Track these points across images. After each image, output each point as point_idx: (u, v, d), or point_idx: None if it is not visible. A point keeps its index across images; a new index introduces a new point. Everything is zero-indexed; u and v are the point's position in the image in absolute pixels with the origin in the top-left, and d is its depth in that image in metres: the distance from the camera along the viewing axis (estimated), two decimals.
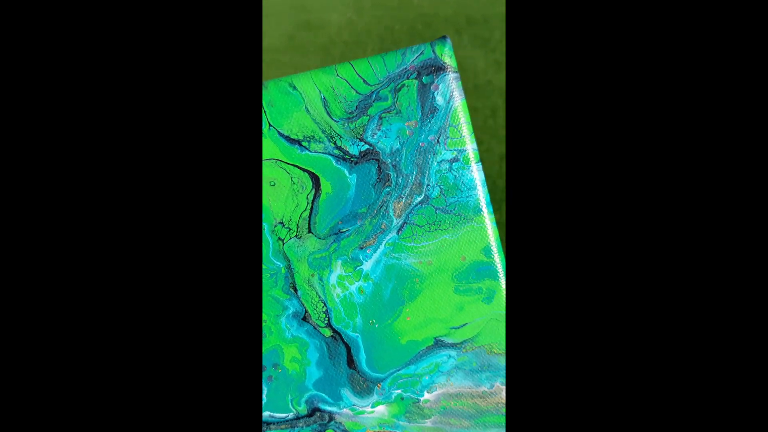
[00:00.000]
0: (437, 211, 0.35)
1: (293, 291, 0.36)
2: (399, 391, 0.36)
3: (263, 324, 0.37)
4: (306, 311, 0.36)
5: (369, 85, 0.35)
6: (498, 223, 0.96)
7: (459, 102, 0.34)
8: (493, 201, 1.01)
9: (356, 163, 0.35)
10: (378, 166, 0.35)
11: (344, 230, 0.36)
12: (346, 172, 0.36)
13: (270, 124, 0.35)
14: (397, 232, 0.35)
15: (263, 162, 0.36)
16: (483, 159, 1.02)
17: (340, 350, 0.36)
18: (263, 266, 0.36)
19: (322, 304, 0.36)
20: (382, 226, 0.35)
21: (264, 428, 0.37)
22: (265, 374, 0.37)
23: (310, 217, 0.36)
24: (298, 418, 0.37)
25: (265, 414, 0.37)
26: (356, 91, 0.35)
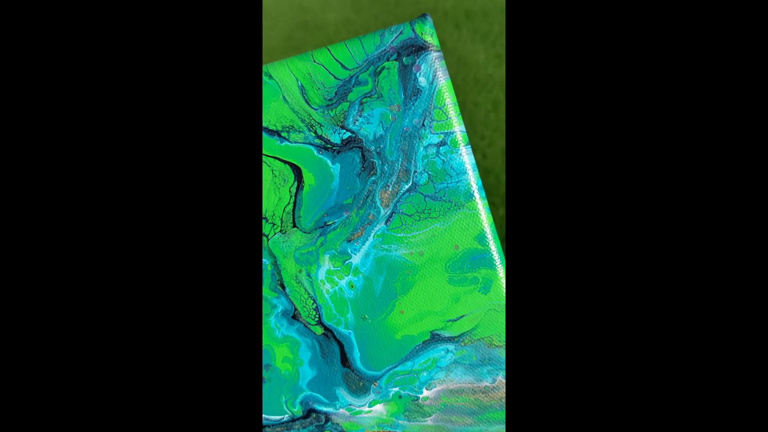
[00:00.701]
0: (426, 199, 0.34)
1: (281, 288, 0.35)
2: (396, 389, 0.35)
3: None
4: (295, 309, 0.35)
5: (347, 69, 0.33)
6: (502, 218, 0.95)
7: (443, 82, 0.33)
8: (497, 196, 1.00)
9: (339, 152, 0.34)
10: (362, 154, 0.34)
11: (330, 223, 0.35)
12: (329, 162, 0.34)
13: None
14: (386, 222, 0.34)
15: None
16: (486, 154, 1.00)
17: (333, 348, 0.35)
18: None
19: (312, 301, 0.35)
20: (370, 217, 0.34)
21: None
22: None
23: (294, 210, 0.35)
24: (293, 419, 0.36)
25: None
26: (334, 77, 0.34)
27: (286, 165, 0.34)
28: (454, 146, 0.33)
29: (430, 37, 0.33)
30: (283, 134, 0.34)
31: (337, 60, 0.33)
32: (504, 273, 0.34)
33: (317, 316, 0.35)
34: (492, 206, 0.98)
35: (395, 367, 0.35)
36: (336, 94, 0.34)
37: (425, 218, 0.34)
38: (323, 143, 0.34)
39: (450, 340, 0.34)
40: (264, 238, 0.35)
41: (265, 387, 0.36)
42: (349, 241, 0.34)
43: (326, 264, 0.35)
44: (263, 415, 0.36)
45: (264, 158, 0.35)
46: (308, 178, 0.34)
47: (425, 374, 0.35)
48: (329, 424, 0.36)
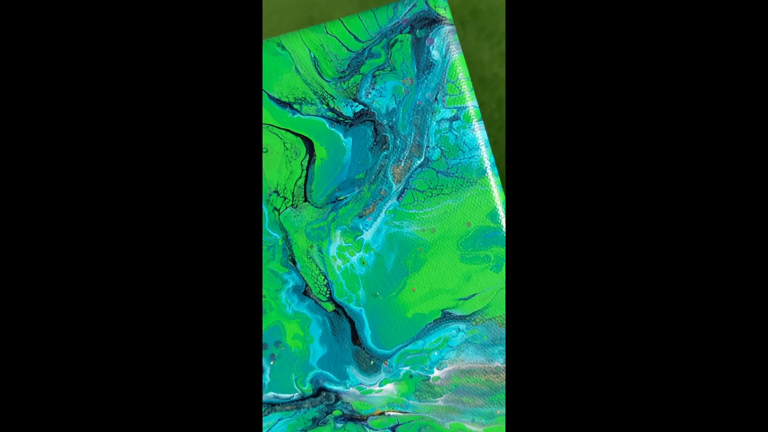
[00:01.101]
0: (439, 175, 0.33)
1: (292, 264, 0.35)
2: (407, 368, 0.35)
3: (263, 299, 0.35)
4: (306, 285, 0.35)
5: (360, 41, 0.33)
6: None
7: (456, 56, 0.33)
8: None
9: (351, 125, 0.34)
10: (374, 128, 0.34)
11: (342, 198, 0.34)
12: (341, 136, 0.34)
13: None
14: (398, 198, 0.34)
15: None
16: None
17: (344, 325, 0.35)
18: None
19: (323, 277, 0.35)
20: (382, 193, 0.34)
21: (269, 410, 0.36)
22: (267, 353, 0.35)
23: (305, 185, 0.34)
24: (303, 398, 0.35)
25: (270, 394, 0.36)
26: (347, 49, 0.33)
27: (298, 138, 0.34)
28: (467, 121, 0.33)
29: (444, 11, 0.32)
30: (295, 106, 0.34)
31: (350, 32, 0.33)
32: None
33: (328, 292, 0.35)
34: None
35: (406, 345, 0.35)
36: (349, 66, 0.33)
37: (437, 194, 0.34)
38: (335, 116, 0.34)
39: (461, 319, 0.34)
40: (275, 213, 0.35)
41: (275, 365, 0.35)
42: (361, 216, 0.34)
43: (338, 240, 0.34)
44: (273, 393, 0.36)
45: (276, 130, 0.34)
46: (320, 151, 0.34)
47: (436, 354, 0.34)
48: (339, 403, 0.35)
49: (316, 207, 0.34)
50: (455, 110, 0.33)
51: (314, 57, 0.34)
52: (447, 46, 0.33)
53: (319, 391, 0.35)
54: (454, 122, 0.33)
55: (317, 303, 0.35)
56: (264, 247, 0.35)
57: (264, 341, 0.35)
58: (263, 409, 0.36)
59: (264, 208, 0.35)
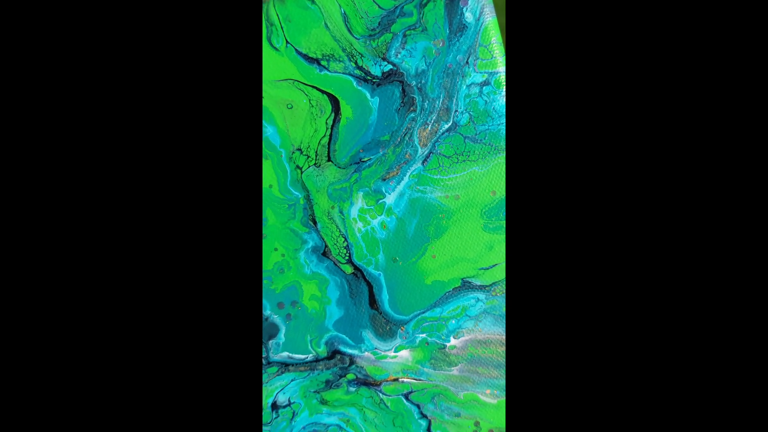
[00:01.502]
0: (466, 140, 0.33)
1: (312, 224, 0.35)
2: (424, 335, 0.34)
3: (281, 258, 0.35)
4: (326, 246, 0.35)
5: None
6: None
7: (490, 19, 0.32)
8: None
9: (379, 84, 0.33)
10: (402, 89, 0.33)
11: (366, 159, 0.34)
12: (368, 95, 0.33)
13: (287, 42, 0.33)
14: (423, 162, 0.33)
15: (279, 82, 0.34)
16: None
17: (362, 288, 0.35)
18: (281, 196, 0.35)
19: (343, 239, 0.34)
20: (406, 156, 0.33)
21: (282, 370, 0.36)
22: (283, 312, 0.35)
23: (329, 144, 0.34)
24: (317, 360, 0.35)
25: (284, 354, 0.36)
26: (379, 6, 0.33)
27: (324, 95, 0.34)
28: (497, 87, 0.32)
29: None
30: (322, 63, 0.34)
31: None
32: None
33: (348, 254, 0.34)
34: None
35: (423, 312, 0.34)
36: (379, 24, 0.33)
37: (464, 161, 0.33)
38: (363, 75, 0.33)
39: (481, 288, 0.34)
40: (297, 171, 0.34)
41: (291, 324, 0.35)
42: (384, 179, 0.34)
43: (359, 202, 0.34)
44: (288, 353, 0.36)
45: (301, 87, 0.34)
46: (346, 110, 0.34)
47: (453, 322, 0.34)
48: (353, 366, 0.35)
49: (339, 167, 0.34)
50: (486, 75, 0.32)
51: (344, 13, 0.33)
52: (481, 8, 0.32)
53: (333, 353, 0.35)
54: (484, 87, 0.32)
55: (336, 265, 0.35)
56: (285, 206, 0.35)
57: (281, 300, 0.35)
58: (276, 369, 0.36)
59: (286, 165, 0.34)
